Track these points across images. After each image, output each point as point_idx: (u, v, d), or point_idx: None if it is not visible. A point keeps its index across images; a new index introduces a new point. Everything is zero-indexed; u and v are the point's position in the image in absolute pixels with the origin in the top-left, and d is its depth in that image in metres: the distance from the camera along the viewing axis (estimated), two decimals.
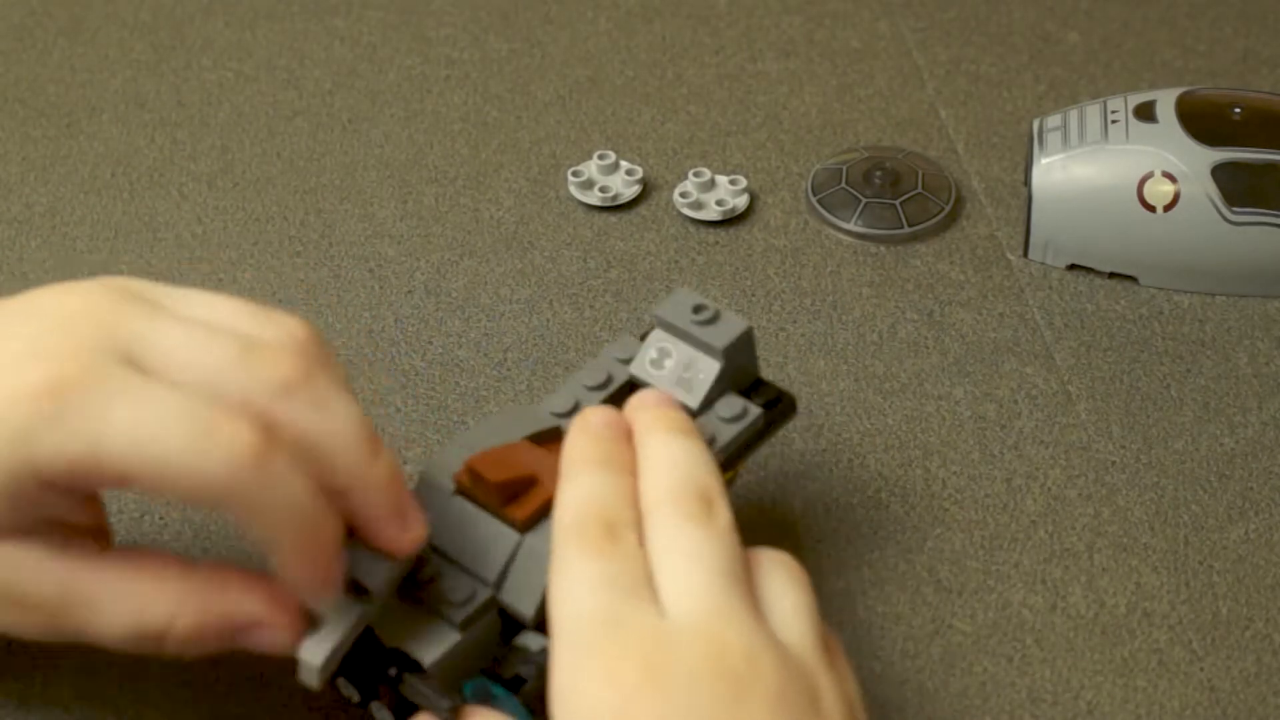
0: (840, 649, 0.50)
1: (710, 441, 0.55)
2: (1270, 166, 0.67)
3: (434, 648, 0.51)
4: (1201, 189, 0.67)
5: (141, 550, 0.49)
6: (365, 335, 0.68)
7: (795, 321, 0.69)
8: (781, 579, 0.50)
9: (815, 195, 0.74)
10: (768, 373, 0.65)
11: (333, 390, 0.47)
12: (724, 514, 0.50)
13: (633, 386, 0.57)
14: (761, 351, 0.67)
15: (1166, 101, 0.69)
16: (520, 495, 0.53)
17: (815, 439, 0.64)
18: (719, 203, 0.73)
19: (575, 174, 0.74)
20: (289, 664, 0.57)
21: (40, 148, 0.77)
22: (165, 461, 0.44)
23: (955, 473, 0.63)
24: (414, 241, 0.72)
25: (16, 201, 0.74)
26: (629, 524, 0.50)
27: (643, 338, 0.58)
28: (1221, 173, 0.67)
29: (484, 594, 0.52)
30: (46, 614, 0.48)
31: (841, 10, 0.84)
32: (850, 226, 0.72)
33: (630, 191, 0.74)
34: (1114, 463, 0.64)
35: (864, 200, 0.73)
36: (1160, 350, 0.68)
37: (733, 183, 0.74)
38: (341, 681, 0.52)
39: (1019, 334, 0.68)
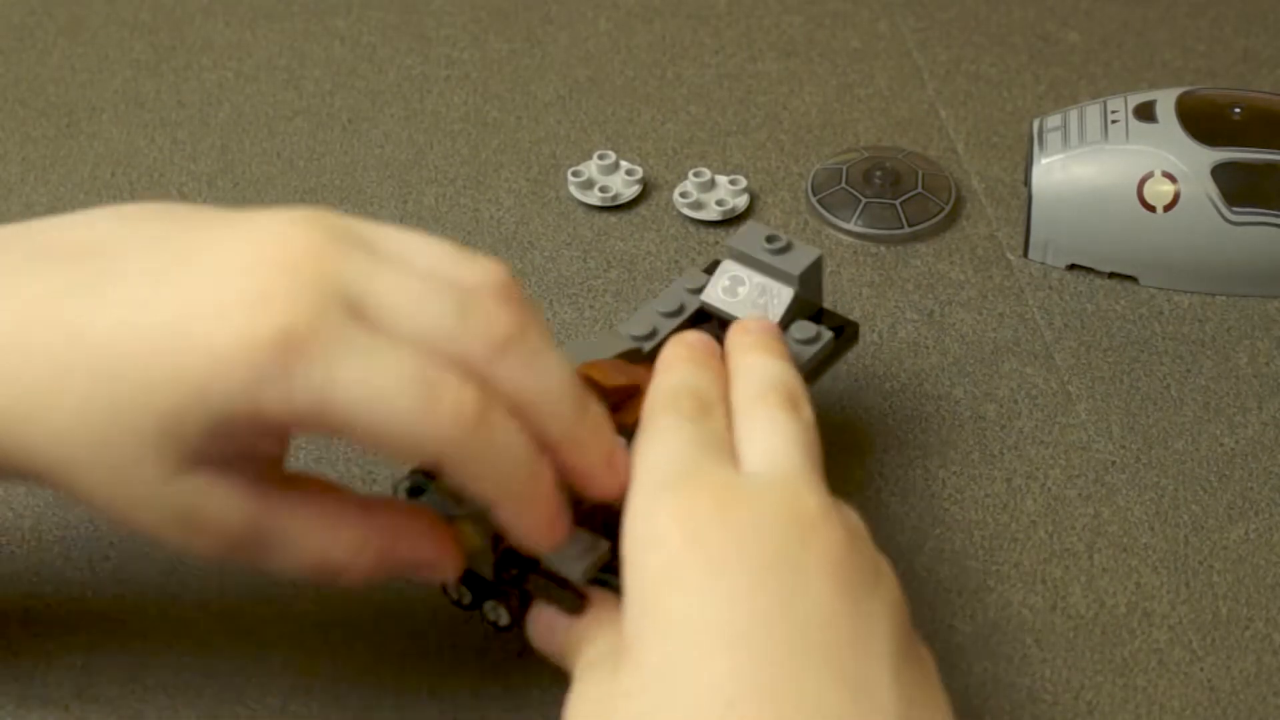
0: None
1: None
2: (1270, 166, 0.67)
3: (580, 561, 0.51)
4: (1201, 189, 0.67)
5: (323, 486, 0.50)
6: None
7: None
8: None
9: (815, 195, 0.73)
10: None
11: (543, 345, 0.47)
12: (809, 412, 0.52)
13: (702, 315, 0.59)
14: None
15: (1166, 101, 0.69)
16: (627, 403, 0.54)
17: None
18: (719, 203, 0.73)
19: (575, 174, 0.74)
20: (286, 663, 0.57)
21: (40, 148, 0.77)
22: (390, 420, 0.45)
23: (955, 473, 0.63)
24: None
25: (16, 201, 0.74)
26: (719, 404, 0.51)
27: (707, 270, 0.60)
28: (1221, 173, 0.67)
29: (604, 546, 0.52)
30: (229, 543, 0.47)
31: (841, 10, 0.84)
32: (850, 226, 0.72)
33: (630, 191, 0.74)
34: (1114, 463, 0.63)
35: (864, 200, 0.73)
36: (1160, 350, 0.68)
37: (733, 183, 0.74)
38: (452, 583, 0.53)
39: (1019, 334, 0.68)
